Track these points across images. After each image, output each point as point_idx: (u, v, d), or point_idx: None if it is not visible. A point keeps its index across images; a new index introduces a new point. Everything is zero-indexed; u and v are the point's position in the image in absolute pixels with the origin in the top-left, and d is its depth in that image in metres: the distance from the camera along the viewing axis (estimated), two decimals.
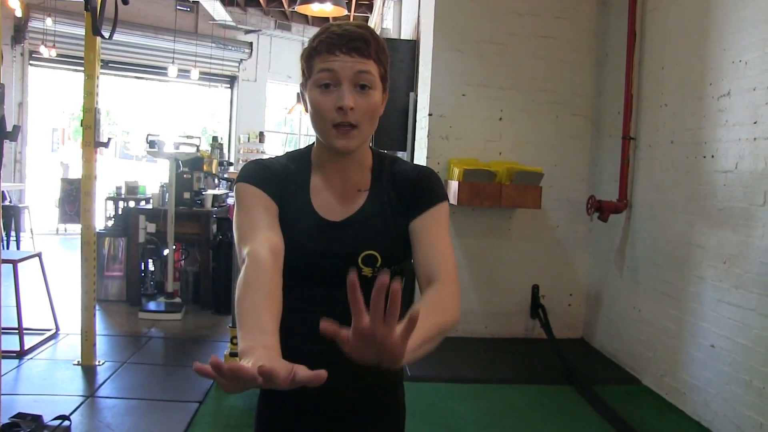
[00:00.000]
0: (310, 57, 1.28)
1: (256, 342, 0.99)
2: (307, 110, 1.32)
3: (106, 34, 3.90)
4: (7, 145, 2.86)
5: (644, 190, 4.49)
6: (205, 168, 6.80)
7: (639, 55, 4.59)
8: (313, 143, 1.40)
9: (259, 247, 1.18)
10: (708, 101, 3.75)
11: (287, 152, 1.46)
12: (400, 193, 1.36)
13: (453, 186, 4.73)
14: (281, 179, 1.34)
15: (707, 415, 3.60)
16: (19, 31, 10.12)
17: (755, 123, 3.33)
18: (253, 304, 1.08)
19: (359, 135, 1.28)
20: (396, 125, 5.58)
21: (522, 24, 5.09)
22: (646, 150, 4.48)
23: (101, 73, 4.28)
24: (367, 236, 1.32)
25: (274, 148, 14.85)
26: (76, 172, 10.06)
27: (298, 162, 1.39)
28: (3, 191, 8.45)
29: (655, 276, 4.28)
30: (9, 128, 2.88)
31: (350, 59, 1.24)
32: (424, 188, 1.36)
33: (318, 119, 1.28)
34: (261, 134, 13.00)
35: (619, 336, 4.74)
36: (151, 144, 5.71)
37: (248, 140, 12.90)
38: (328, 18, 12.16)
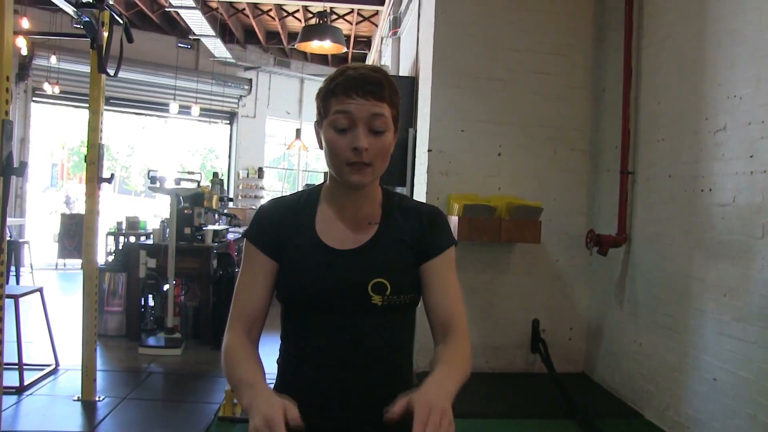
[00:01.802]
0: (326, 98, 1.35)
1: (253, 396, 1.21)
2: (321, 146, 1.38)
3: (112, 72, 3.96)
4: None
5: (643, 223, 4.52)
6: (205, 203, 6.84)
7: (635, 91, 4.66)
8: (325, 181, 1.46)
9: (233, 338, 1.38)
10: (704, 135, 3.80)
11: (301, 190, 1.57)
12: (412, 227, 1.42)
13: (453, 221, 4.75)
14: (284, 221, 1.43)
15: None
16: (23, 68, 10.24)
17: (751, 157, 3.37)
18: (241, 371, 1.30)
19: (372, 172, 1.35)
20: (395, 161, 5.62)
21: (519, 60, 5.17)
22: (644, 184, 4.52)
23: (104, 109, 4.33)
24: (378, 265, 1.37)
25: (273, 183, 14.92)
26: (76, 207, 10.09)
27: (308, 197, 1.47)
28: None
29: (655, 309, 4.28)
30: (15, 164, 2.92)
31: (365, 102, 1.31)
32: (435, 231, 1.44)
33: (333, 158, 1.34)
34: (260, 170, 13.07)
35: (620, 370, 4.73)
36: (152, 179, 5.75)
37: (248, 176, 12.97)
38: (326, 55, 12.37)
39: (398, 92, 1.39)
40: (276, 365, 1.49)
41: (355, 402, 1.35)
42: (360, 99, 1.30)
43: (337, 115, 1.31)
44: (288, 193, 1.63)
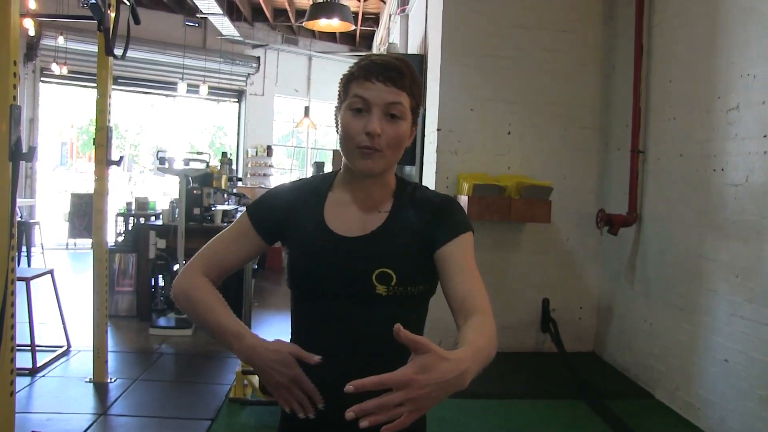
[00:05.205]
0: (347, 82, 1.35)
1: (239, 326, 1.31)
2: (338, 131, 1.39)
3: (119, 53, 3.94)
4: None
5: (654, 203, 4.48)
6: (214, 184, 6.83)
7: (646, 69, 4.59)
8: (341, 168, 1.46)
9: (199, 279, 1.42)
10: (717, 114, 3.75)
11: (315, 174, 1.58)
12: (422, 217, 1.39)
13: (462, 200, 4.73)
14: (291, 206, 1.43)
15: (723, 431, 3.57)
16: (31, 48, 10.22)
17: (765, 136, 3.33)
18: (219, 316, 1.35)
19: (382, 159, 1.33)
20: None
21: (529, 38, 5.11)
22: (655, 163, 4.47)
23: (111, 89, 4.31)
24: (383, 254, 1.34)
25: (282, 161, 14.90)
26: (85, 187, 10.10)
27: (321, 182, 1.47)
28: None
29: (666, 289, 4.26)
30: (24, 149, 2.91)
31: (384, 88, 1.30)
32: (447, 216, 1.40)
33: (346, 140, 1.34)
34: (269, 148, 13.03)
35: (630, 349, 4.73)
36: (161, 160, 5.74)
37: (256, 154, 12.93)
38: (334, 33, 12.26)
39: (420, 85, 1.37)
40: None
41: (366, 394, 1.34)
42: (379, 84, 1.30)
43: (355, 98, 1.31)
44: (305, 177, 1.63)
